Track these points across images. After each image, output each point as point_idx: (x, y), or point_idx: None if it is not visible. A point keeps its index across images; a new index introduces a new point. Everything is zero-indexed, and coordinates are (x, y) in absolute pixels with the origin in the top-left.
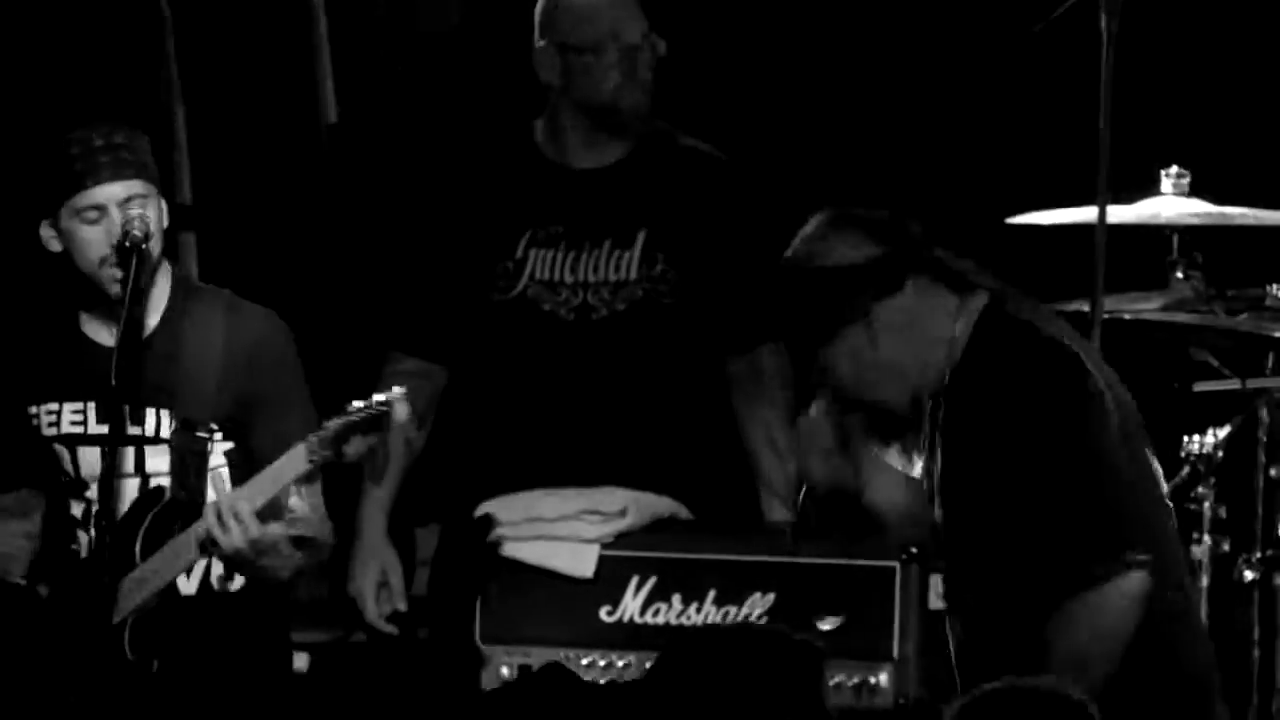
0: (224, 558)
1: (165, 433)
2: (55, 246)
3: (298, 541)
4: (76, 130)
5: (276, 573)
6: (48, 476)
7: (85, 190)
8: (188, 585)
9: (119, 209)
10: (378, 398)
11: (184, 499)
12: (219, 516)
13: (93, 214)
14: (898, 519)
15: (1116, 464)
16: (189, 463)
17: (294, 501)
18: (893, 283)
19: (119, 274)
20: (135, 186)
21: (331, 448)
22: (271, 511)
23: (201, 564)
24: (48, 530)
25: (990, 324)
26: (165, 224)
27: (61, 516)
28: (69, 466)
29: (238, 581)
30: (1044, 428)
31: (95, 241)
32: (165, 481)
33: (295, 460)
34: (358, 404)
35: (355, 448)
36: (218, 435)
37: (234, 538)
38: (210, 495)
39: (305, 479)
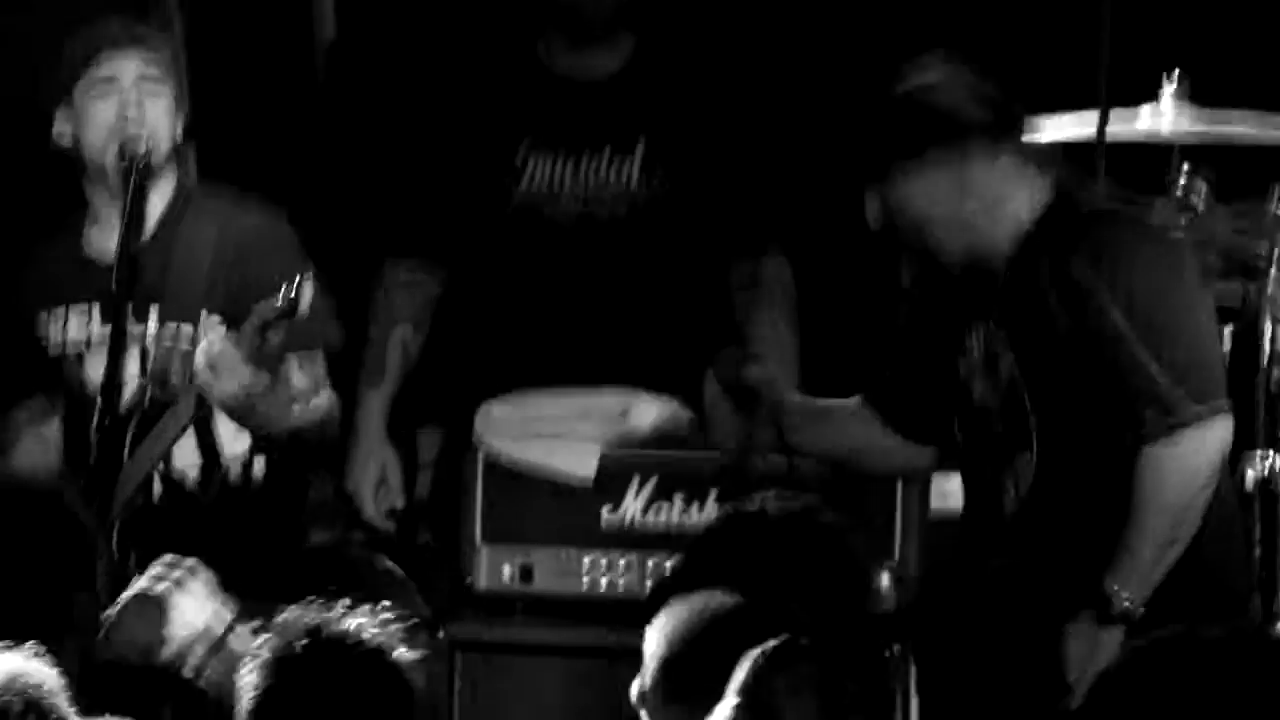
0: (221, 406)
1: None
2: (66, 141)
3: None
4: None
5: (275, 423)
6: (60, 389)
7: (100, 62)
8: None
9: (133, 86)
10: (285, 286)
11: (161, 398)
12: (210, 365)
13: (105, 86)
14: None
15: (1204, 312)
16: (171, 361)
17: (295, 376)
18: (991, 151)
19: (121, 164)
20: (151, 69)
21: (259, 335)
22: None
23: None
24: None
25: (1061, 204)
26: (179, 131)
27: (77, 432)
28: (79, 378)
29: (257, 468)
30: (1136, 272)
31: (105, 118)
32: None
33: (241, 335)
34: (279, 294)
35: (276, 335)
36: (216, 324)
37: (225, 384)
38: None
39: (305, 355)
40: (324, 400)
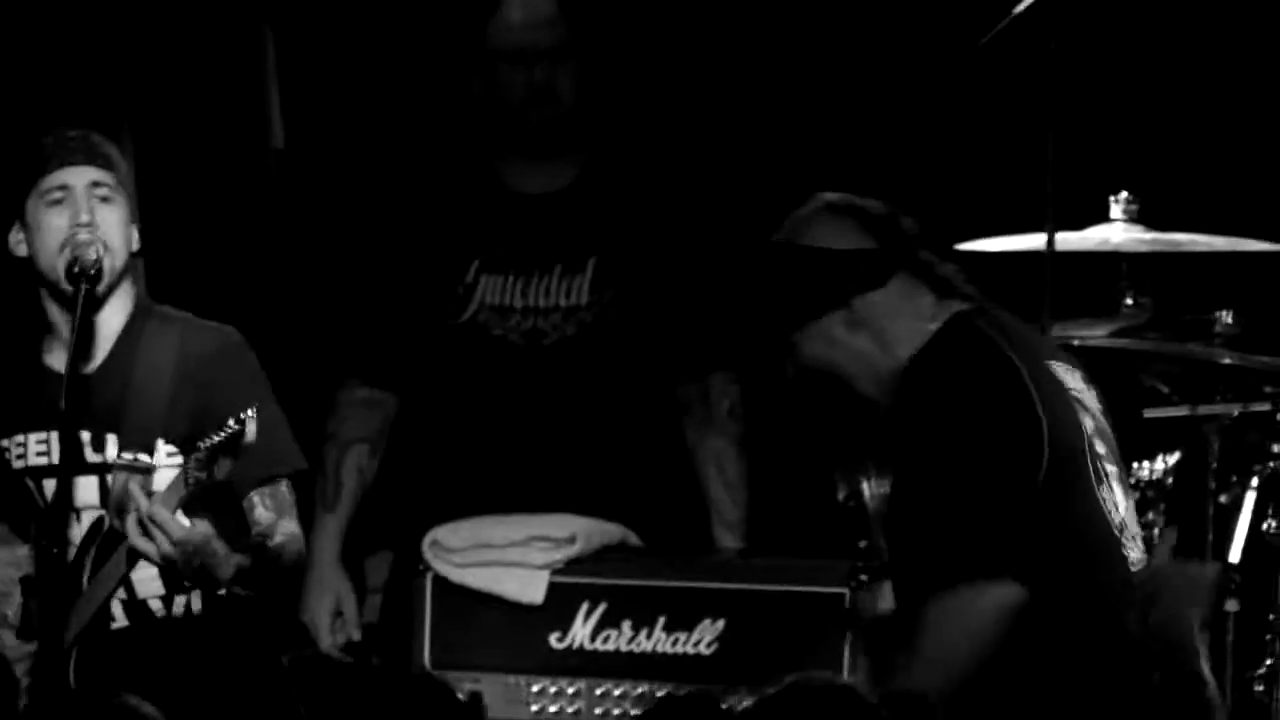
0: (158, 566)
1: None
2: (21, 250)
3: (259, 550)
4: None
5: (215, 571)
6: (22, 514)
7: (52, 172)
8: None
9: (84, 194)
10: (231, 420)
11: (119, 528)
12: (140, 526)
13: (58, 193)
14: None
15: (1017, 490)
16: (128, 490)
17: (258, 513)
18: (877, 277)
19: (88, 255)
20: (104, 176)
21: (205, 469)
22: (228, 524)
23: (152, 588)
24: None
25: (954, 330)
26: (134, 238)
27: (42, 549)
28: (39, 499)
29: (196, 604)
30: (957, 433)
31: (57, 227)
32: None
33: (176, 483)
34: (224, 427)
35: (223, 468)
36: (173, 457)
37: (160, 544)
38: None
39: (265, 485)
40: (287, 531)
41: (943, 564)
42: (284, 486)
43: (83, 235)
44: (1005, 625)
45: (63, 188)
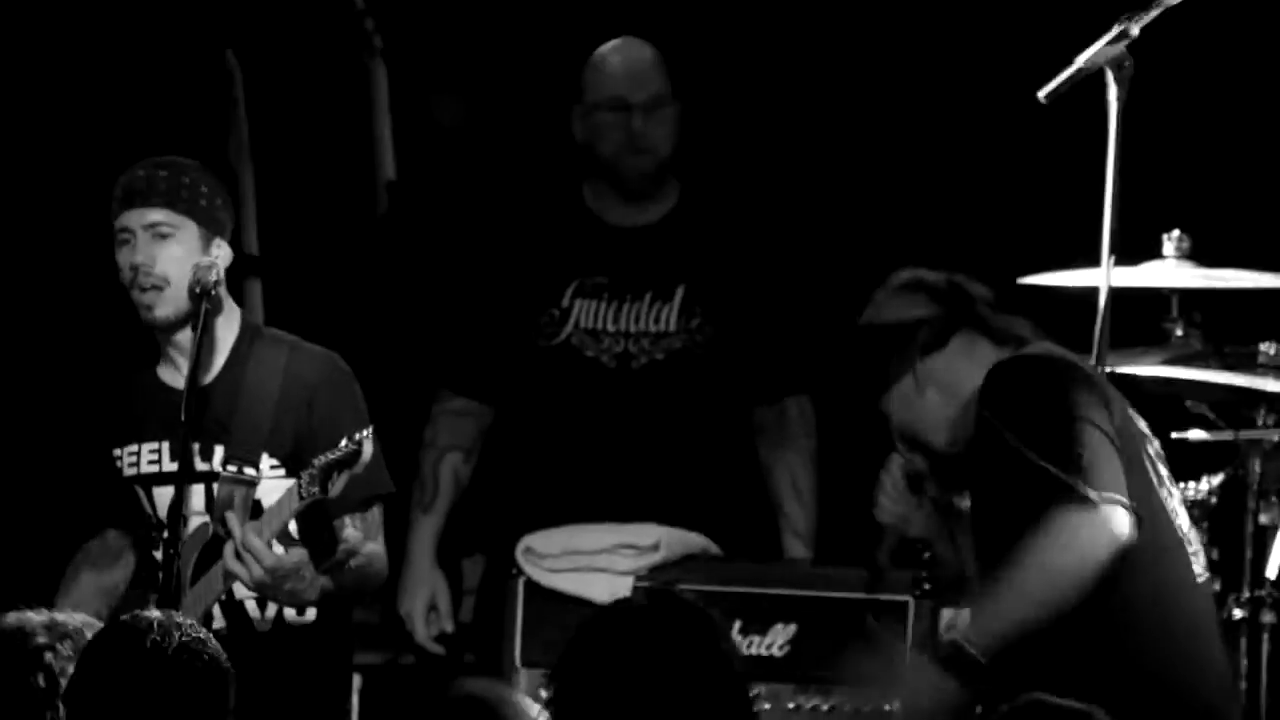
0: (249, 588)
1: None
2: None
3: (337, 568)
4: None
5: (301, 595)
6: (133, 517)
7: (119, 216)
8: (262, 622)
9: (144, 234)
10: (347, 440)
11: (223, 536)
12: (236, 554)
13: (124, 235)
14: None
15: (1094, 426)
16: (232, 500)
17: (348, 532)
18: (937, 341)
19: (145, 300)
20: (159, 215)
21: (319, 484)
22: (319, 539)
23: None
24: (140, 570)
25: (1007, 363)
26: (214, 265)
27: (143, 560)
28: (148, 507)
29: (310, 614)
30: (1025, 392)
31: (123, 264)
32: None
33: (290, 497)
34: (340, 445)
35: (337, 484)
36: (276, 471)
37: (252, 570)
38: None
39: (358, 509)
40: (375, 556)
41: (1057, 488)
42: (375, 510)
43: (141, 278)
44: (1115, 559)
45: (125, 230)
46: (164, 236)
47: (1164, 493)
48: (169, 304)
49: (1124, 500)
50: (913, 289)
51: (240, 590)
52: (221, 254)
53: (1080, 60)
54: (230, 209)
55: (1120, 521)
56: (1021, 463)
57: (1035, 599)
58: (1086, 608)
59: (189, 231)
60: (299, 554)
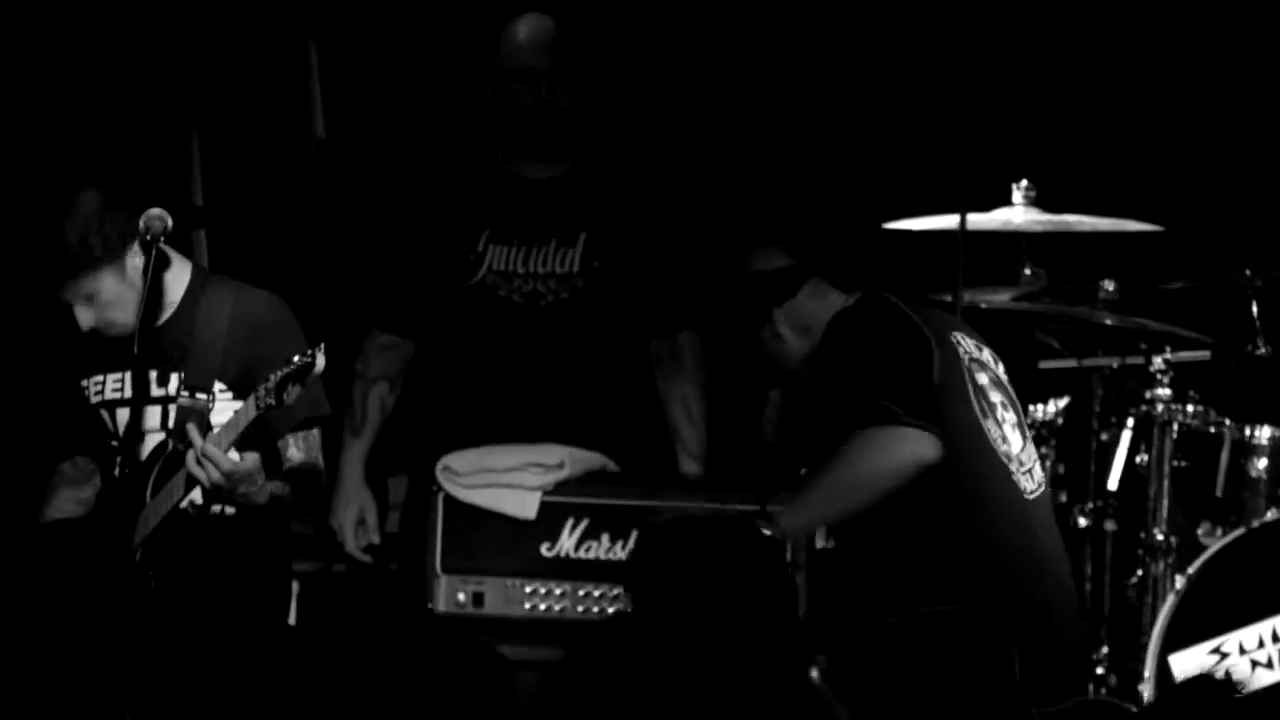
0: (206, 490)
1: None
2: None
3: (291, 474)
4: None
5: (252, 498)
6: (98, 442)
7: (59, 296)
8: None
9: (82, 303)
10: (301, 355)
11: (182, 450)
12: (196, 460)
13: (70, 303)
14: None
15: (909, 366)
16: (189, 420)
17: (290, 452)
18: (790, 289)
19: (113, 334)
20: (80, 285)
21: (274, 395)
22: (264, 456)
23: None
24: (101, 491)
25: (858, 304)
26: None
27: (108, 476)
28: (111, 428)
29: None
30: (870, 335)
31: (82, 320)
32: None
33: (248, 408)
34: (294, 359)
35: (291, 394)
36: (225, 395)
37: (210, 474)
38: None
39: (300, 428)
40: (316, 468)
41: (871, 411)
42: (315, 431)
43: (102, 332)
44: (912, 477)
45: (67, 302)
46: (90, 297)
47: (990, 420)
48: (127, 325)
49: (928, 425)
50: (770, 244)
51: (185, 504)
52: (136, 255)
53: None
54: (118, 218)
55: (920, 442)
56: (848, 397)
57: (833, 497)
58: (916, 527)
59: (105, 277)
60: (252, 460)
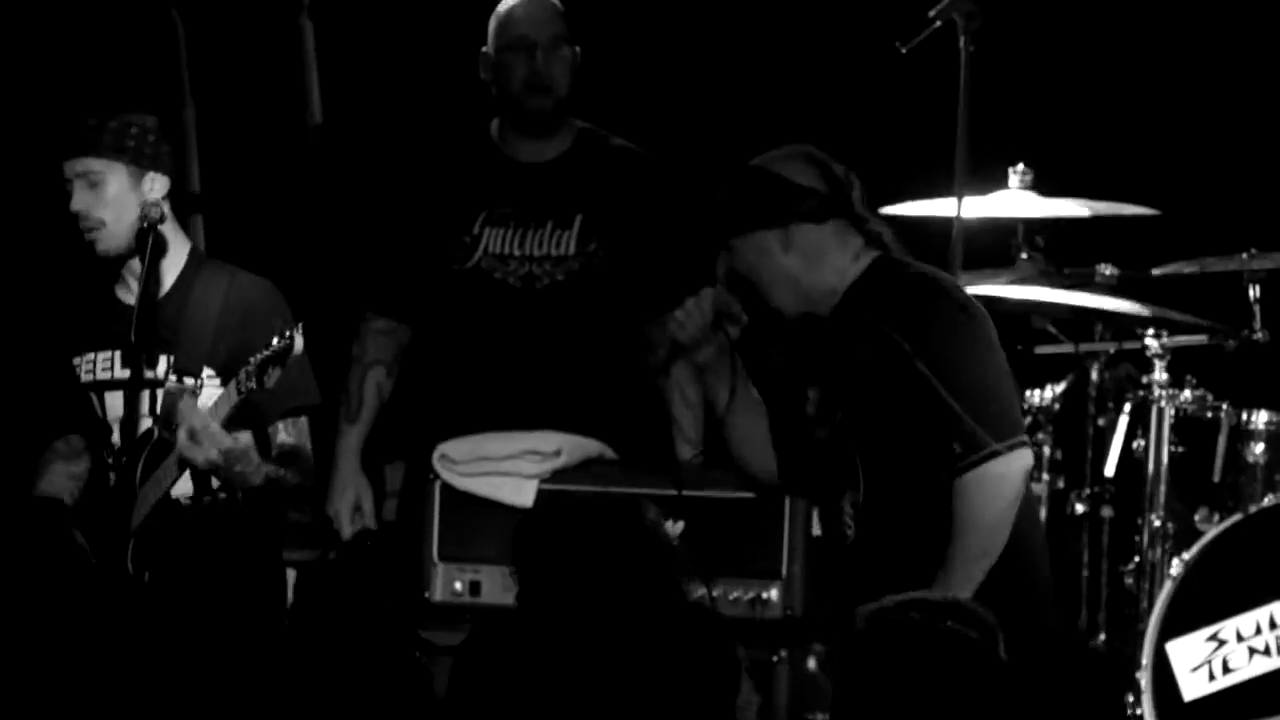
0: (201, 469)
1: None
2: None
3: (281, 458)
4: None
5: (248, 478)
6: (89, 421)
7: (63, 164)
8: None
9: (79, 181)
10: (280, 337)
11: (168, 437)
12: (190, 436)
13: (67, 184)
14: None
15: (996, 368)
16: (177, 405)
17: (280, 438)
18: (818, 214)
19: (89, 239)
20: (88, 163)
21: (255, 379)
22: (255, 440)
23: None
24: (91, 478)
25: (883, 265)
26: (158, 203)
27: (98, 458)
28: (99, 411)
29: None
30: (936, 333)
31: (74, 201)
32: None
33: (230, 393)
34: (272, 342)
35: (271, 377)
36: (213, 381)
37: (208, 451)
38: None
39: (289, 416)
40: (305, 454)
41: (972, 439)
42: (303, 419)
43: (81, 222)
44: (1025, 484)
45: (66, 179)
46: (94, 184)
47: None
48: (109, 240)
49: (1023, 438)
50: (808, 161)
51: (175, 489)
52: (157, 185)
53: (933, 13)
54: (163, 144)
55: (1023, 460)
56: (926, 390)
57: (985, 554)
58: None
59: (118, 173)
60: (246, 438)
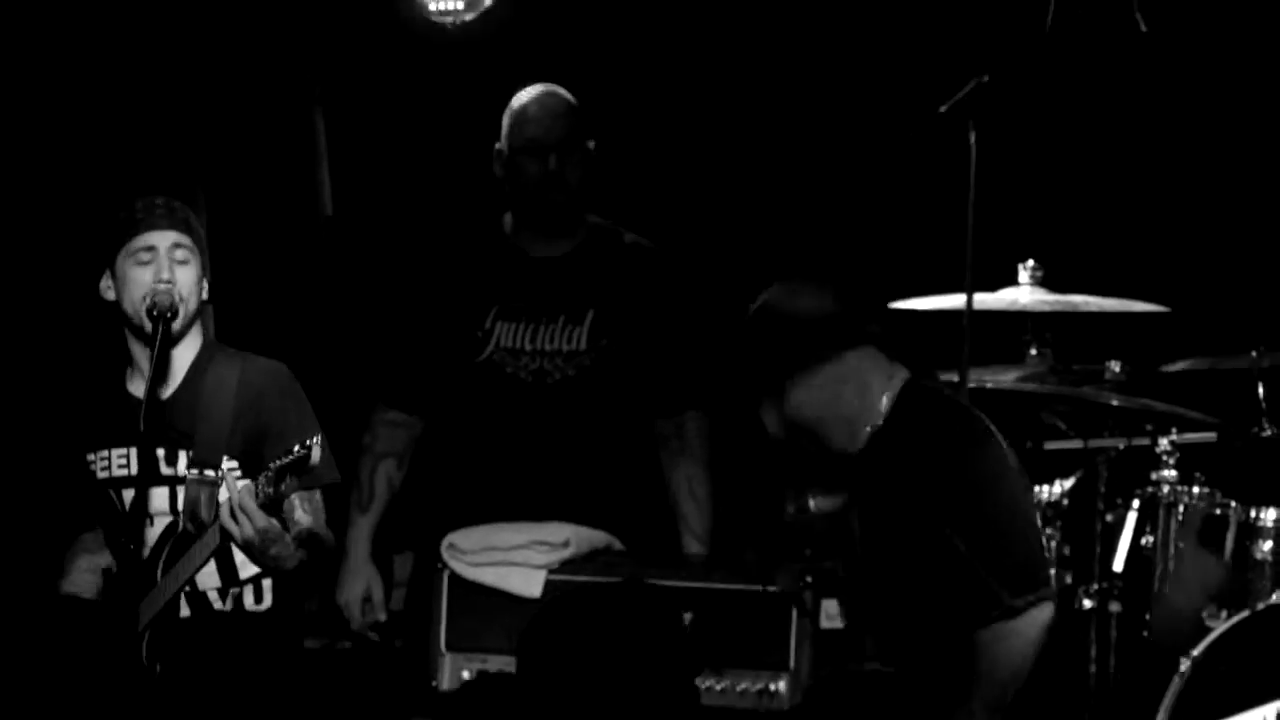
0: (239, 546)
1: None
2: (110, 296)
3: (301, 540)
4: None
5: (284, 561)
6: (109, 516)
7: (141, 234)
8: (223, 608)
9: (166, 255)
10: (299, 445)
11: (193, 532)
12: (231, 514)
13: (145, 255)
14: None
15: (1026, 508)
16: (199, 500)
17: (298, 514)
18: (854, 339)
19: (151, 316)
20: (183, 239)
21: (273, 485)
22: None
23: (213, 586)
24: (109, 571)
25: (911, 394)
26: (204, 289)
27: (117, 554)
28: (119, 507)
29: (266, 602)
30: (963, 475)
31: (143, 281)
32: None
33: (251, 488)
34: (293, 450)
35: (289, 485)
36: (234, 471)
37: (244, 529)
38: (222, 497)
39: (305, 495)
40: (324, 534)
41: (995, 599)
42: (318, 495)
43: (162, 289)
44: (1045, 638)
45: (149, 249)
46: (183, 262)
47: None
48: (182, 319)
49: (1046, 591)
50: (821, 284)
51: (203, 582)
52: (204, 278)
53: (943, 108)
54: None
55: (1044, 615)
56: (949, 549)
57: (996, 710)
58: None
59: (196, 261)
60: (279, 524)
